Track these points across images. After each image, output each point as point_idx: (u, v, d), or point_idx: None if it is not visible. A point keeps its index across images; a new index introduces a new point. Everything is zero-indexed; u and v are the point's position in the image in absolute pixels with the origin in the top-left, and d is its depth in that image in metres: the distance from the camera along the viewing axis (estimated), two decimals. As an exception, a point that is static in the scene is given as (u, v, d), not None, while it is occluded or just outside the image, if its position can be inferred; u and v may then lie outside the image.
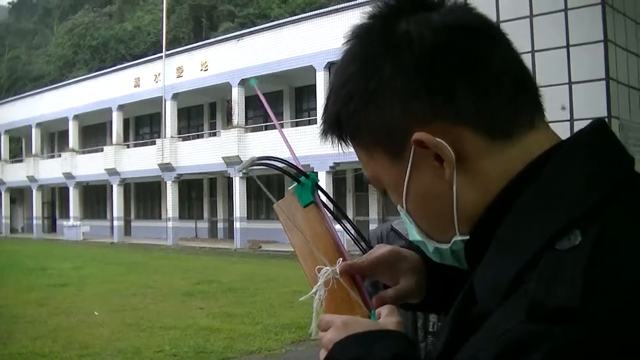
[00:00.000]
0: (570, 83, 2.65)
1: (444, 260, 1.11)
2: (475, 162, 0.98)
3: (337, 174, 36.63)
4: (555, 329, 0.77)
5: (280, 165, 1.60)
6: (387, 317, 1.31)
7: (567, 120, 2.64)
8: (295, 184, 1.58)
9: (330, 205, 1.65)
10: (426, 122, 0.97)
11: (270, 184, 43.02)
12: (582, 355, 0.76)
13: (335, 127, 1.11)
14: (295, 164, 1.58)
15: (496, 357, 0.80)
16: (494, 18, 2.74)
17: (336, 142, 1.13)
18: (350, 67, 1.05)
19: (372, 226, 37.35)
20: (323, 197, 1.61)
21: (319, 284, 1.39)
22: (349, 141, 1.11)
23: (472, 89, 0.97)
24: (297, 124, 39.07)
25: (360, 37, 1.07)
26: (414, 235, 1.11)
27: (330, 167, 33.91)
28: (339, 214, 1.72)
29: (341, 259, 1.42)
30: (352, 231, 1.62)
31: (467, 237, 1.03)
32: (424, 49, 0.98)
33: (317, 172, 34.47)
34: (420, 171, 1.01)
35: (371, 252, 1.41)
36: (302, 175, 1.58)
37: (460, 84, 0.97)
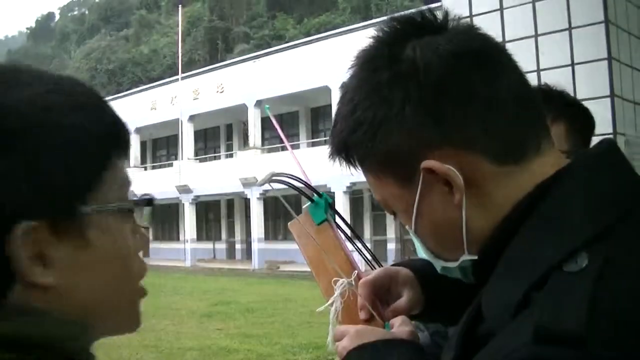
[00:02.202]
0: (576, 101, 2.68)
1: (453, 275, 1.12)
2: (483, 186, 0.99)
3: (354, 194, 36.53)
4: (560, 352, 0.78)
5: (295, 183, 1.64)
6: (400, 327, 1.33)
7: (573, 137, 2.67)
8: (309, 202, 1.64)
9: (343, 226, 1.69)
10: (434, 148, 0.98)
11: (288, 203, 42.94)
12: None
13: (343, 153, 1.12)
14: (309, 184, 1.63)
15: None
16: (499, 38, 2.77)
17: (344, 165, 1.14)
18: (358, 94, 1.05)
19: (390, 246, 37.33)
20: (337, 219, 1.64)
21: (335, 295, 1.43)
22: (357, 166, 1.11)
23: (478, 116, 0.98)
24: (313, 145, 39.02)
25: (366, 62, 1.07)
26: (422, 254, 1.14)
27: (347, 187, 33.82)
28: (352, 234, 1.75)
29: (356, 271, 1.46)
30: (365, 252, 1.63)
31: (475, 257, 1.05)
32: (431, 77, 0.98)
33: (333, 192, 34.42)
34: (429, 196, 1.02)
35: (371, 272, 1.43)
36: (316, 195, 1.61)
37: (467, 111, 0.98)
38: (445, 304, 1.37)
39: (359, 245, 1.66)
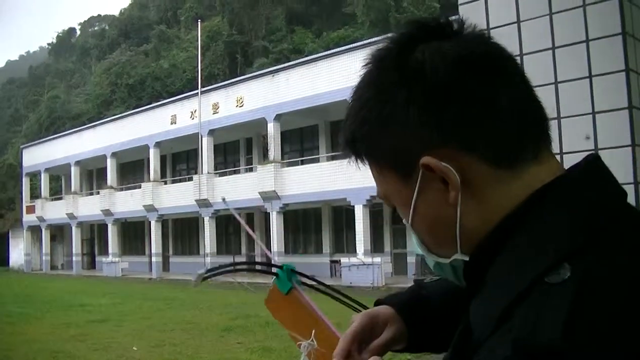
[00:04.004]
0: (593, 113, 2.68)
1: (444, 274, 1.15)
2: (479, 189, 1.01)
3: (374, 207, 36.50)
4: None
5: (252, 268, 1.75)
6: None
7: (591, 150, 2.66)
8: (275, 277, 1.71)
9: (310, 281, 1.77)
10: (434, 148, 1.01)
11: (307, 217, 43.06)
12: None
13: (351, 147, 1.17)
14: (268, 259, 1.72)
15: None
16: (516, 51, 2.78)
17: (353, 159, 1.19)
18: (366, 92, 1.10)
19: (410, 259, 37.26)
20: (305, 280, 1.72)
21: (302, 358, 1.50)
22: (364, 160, 1.16)
23: (477, 119, 1.00)
24: (332, 158, 39.07)
25: (377, 62, 1.12)
26: (417, 249, 1.16)
27: (367, 200, 33.79)
28: (324, 287, 1.83)
29: (314, 331, 1.54)
30: (344, 299, 1.76)
31: (467, 258, 1.07)
32: (436, 80, 1.01)
33: (353, 206, 34.45)
34: (426, 192, 1.05)
35: (350, 326, 1.43)
36: (278, 268, 1.70)
37: (468, 115, 1.00)
38: (431, 331, 1.41)
39: (337, 295, 1.80)
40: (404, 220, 1.14)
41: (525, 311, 0.86)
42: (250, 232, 1.93)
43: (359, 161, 1.19)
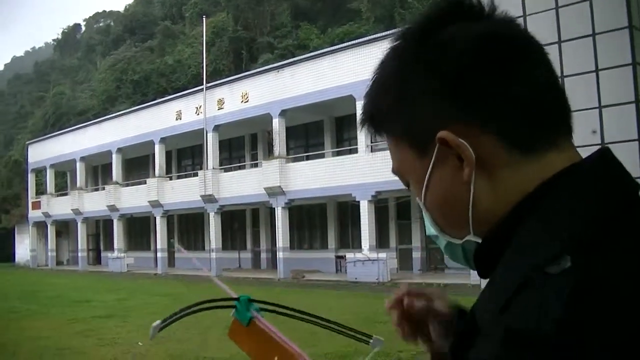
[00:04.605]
0: (600, 107, 2.67)
1: (455, 257, 1.15)
2: (493, 169, 1.02)
3: (379, 203, 36.50)
4: (528, 355, 0.81)
5: (209, 305, 1.78)
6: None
7: (598, 145, 2.64)
8: (233, 310, 1.70)
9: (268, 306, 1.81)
10: (451, 124, 1.02)
11: (313, 212, 43.05)
12: None
13: (370, 120, 1.17)
14: (226, 294, 1.74)
15: None
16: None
17: (373, 133, 1.18)
18: (390, 65, 1.12)
19: (415, 254, 37.24)
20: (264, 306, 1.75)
21: None
22: (382, 132, 1.16)
23: (498, 102, 1.01)
24: (338, 154, 39.09)
25: (403, 38, 1.12)
26: (430, 229, 1.16)
27: (372, 195, 33.78)
28: (288, 310, 1.85)
29: (276, 358, 1.59)
30: (306, 316, 1.82)
31: (479, 240, 1.07)
32: (458, 58, 1.02)
33: (358, 202, 34.44)
34: (441, 169, 1.06)
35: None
36: (235, 300, 1.70)
37: (487, 94, 1.01)
38: None
39: (298, 314, 1.83)
40: (417, 199, 1.15)
41: (521, 300, 0.86)
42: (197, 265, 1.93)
43: (376, 135, 1.19)
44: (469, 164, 1.01)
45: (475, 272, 1.11)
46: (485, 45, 1.02)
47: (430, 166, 1.06)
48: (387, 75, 1.12)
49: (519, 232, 0.98)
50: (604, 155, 1.03)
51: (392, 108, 1.10)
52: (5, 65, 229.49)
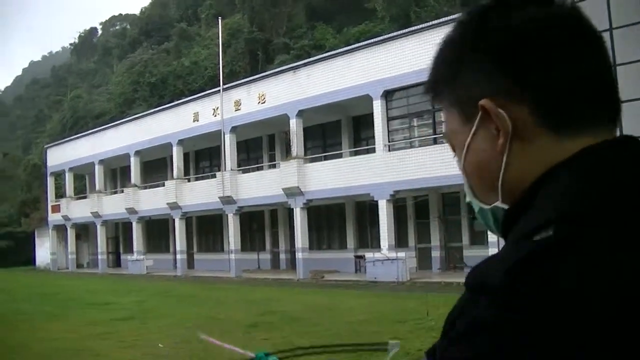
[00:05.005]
0: None
1: (486, 221, 1.21)
2: (526, 144, 1.08)
3: (398, 202, 36.48)
4: (479, 298, 0.91)
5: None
6: None
7: None
8: None
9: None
10: (495, 95, 1.08)
11: (331, 213, 43.05)
12: (496, 327, 0.88)
13: (430, 88, 1.24)
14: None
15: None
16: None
17: (432, 99, 1.25)
18: (452, 36, 1.18)
19: (434, 253, 37.17)
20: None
21: None
22: (439, 100, 1.24)
23: (542, 80, 1.06)
24: (355, 153, 39.06)
25: (470, 13, 1.18)
26: (467, 192, 1.23)
27: (391, 195, 33.74)
28: (304, 350, 1.86)
29: None
30: None
31: (505, 207, 1.13)
32: (512, 35, 1.08)
33: (377, 201, 34.40)
34: (480, 136, 1.12)
35: None
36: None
37: (533, 72, 1.06)
38: None
39: None
40: (457, 162, 1.22)
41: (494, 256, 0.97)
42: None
43: (435, 103, 1.27)
44: (504, 134, 1.08)
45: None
46: (539, 27, 1.08)
47: (471, 133, 1.13)
48: (447, 46, 1.19)
49: (533, 204, 1.04)
50: (622, 142, 1.07)
51: (447, 77, 1.17)
52: (23, 70, 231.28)
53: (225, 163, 44.18)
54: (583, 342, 0.83)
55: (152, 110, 54.82)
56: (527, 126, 1.06)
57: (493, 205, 1.15)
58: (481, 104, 1.08)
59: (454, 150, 1.23)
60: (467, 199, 1.24)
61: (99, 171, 58.08)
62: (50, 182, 66.56)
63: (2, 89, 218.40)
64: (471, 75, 1.12)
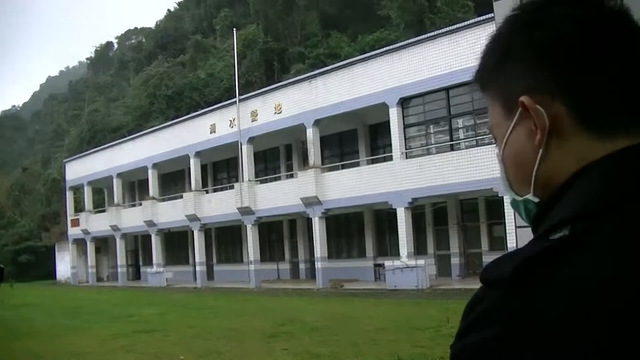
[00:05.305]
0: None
1: (519, 212, 1.24)
2: (562, 141, 1.10)
3: (416, 210, 36.43)
4: (488, 292, 0.97)
5: None
6: None
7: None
8: None
9: None
10: (535, 91, 1.10)
11: (349, 221, 43.01)
12: (500, 317, 0.93)
13: (478, 79, 1.27)
14: None
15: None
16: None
17: (479, 91, 1.28)
18: (500, 32, 1.22)
19: (454, 260, 37.05)
20: None
21: None
22: (484, 92, 1.27)
23: (581, 79, 1.08)
24: (373, 162, 39.02)
25: (521, 8, 1.20)
26: (502, 183, 1.27)
27: (409, 202, 33.67)
28: None
29: None
30: None
31: (536, 200, 1.17)
32: (554, 33, 1.11)
33: (395, 209, 34.35)
34: (519, 130, 1.15)
35: None
36: None
37: (572, 71, 1.09)
38: None
39: None
40: (497, 153, 1.26)
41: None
42: None
43: (483, 96, 1.29)
44: (541, 130, 1.10)
45: None
46: (583, 27, 1.10)
47: (511, 126, 1.17)
48: (495, 41, 1.22)
49: (560, 203, 1.07)
50: None
51: (491, 72, 1.21)
52: (40, 85, 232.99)
53: (242, 174, 44.25)
54: (583, 334, 0.86)
55: (169, 123, 54.98)
56: (564, 124, 1.09)
57: (525, 197, 1.19)
58: (521, 100, 1.11)
59: (495, 141, 1.26)
60: (503, 188, 1.28)
61: (117, 184, 58.30)
62: (69, 196, 66.89)
63: (21, 104, 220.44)
64: (514, 70, 1.15)
